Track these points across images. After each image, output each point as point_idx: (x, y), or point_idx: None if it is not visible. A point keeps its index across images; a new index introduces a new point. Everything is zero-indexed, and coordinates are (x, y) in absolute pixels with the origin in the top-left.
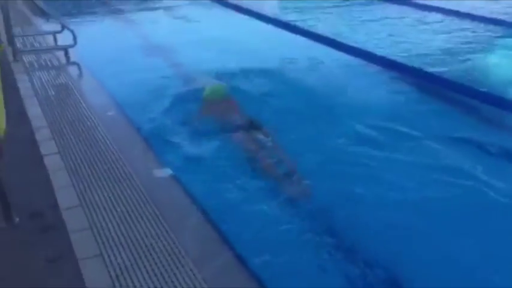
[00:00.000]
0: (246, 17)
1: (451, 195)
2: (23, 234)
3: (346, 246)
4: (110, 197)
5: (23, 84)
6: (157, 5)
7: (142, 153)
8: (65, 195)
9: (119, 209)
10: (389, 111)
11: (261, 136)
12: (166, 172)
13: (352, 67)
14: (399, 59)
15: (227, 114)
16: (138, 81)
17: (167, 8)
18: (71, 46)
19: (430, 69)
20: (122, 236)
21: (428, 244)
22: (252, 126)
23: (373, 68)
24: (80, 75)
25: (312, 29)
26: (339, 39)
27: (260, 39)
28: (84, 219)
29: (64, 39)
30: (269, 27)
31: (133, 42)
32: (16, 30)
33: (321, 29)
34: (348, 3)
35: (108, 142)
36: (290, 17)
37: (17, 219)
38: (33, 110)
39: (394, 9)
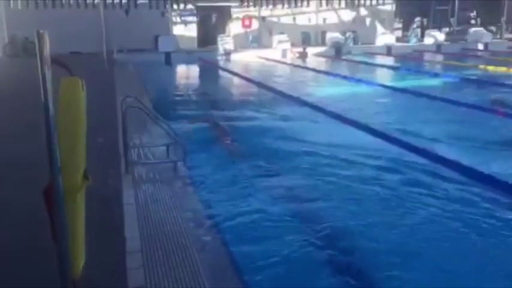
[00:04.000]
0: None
1: None
2: None
3: None
4: None
5: (128, 200)
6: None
7: None
8: None
9: None
10: None
11: None
12: None
13: None
14: None
15: None
16: (245, 214)
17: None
18: (180, 160)
19: None
20: None
21: None
22: None
23: None
24: (184, 193)
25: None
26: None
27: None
28: None
29: (176, 151)
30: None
31: (246, 168)
32: (134, 139)
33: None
34: None
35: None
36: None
37: None
38: (131, 231)
39: None
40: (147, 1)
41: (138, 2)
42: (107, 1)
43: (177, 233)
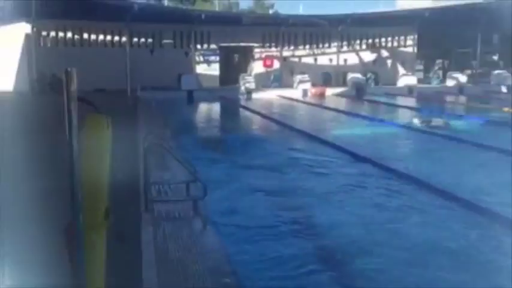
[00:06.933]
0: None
1: None
2: None
3: None
4: None
5: (147, 237)
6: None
7: None
8: None
9: None
10: None
11: None
12: None
13: None
14: None
15: None
16: (265, 252)
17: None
18: (200, 198)
19: None
20: None
21: None
22: None
23: None
24: (204, 231)
25: None
26: None
27: None
28: None
29: (196, 189)
30: None
31: (267, 207)
32: (155, 176)
33: None
34: None
35: None
36: None
37: None
38: (148, 270)
39: None
40: (171, 41)
41: (163, 41)
42: (133, 40)
43: (196, 272)
